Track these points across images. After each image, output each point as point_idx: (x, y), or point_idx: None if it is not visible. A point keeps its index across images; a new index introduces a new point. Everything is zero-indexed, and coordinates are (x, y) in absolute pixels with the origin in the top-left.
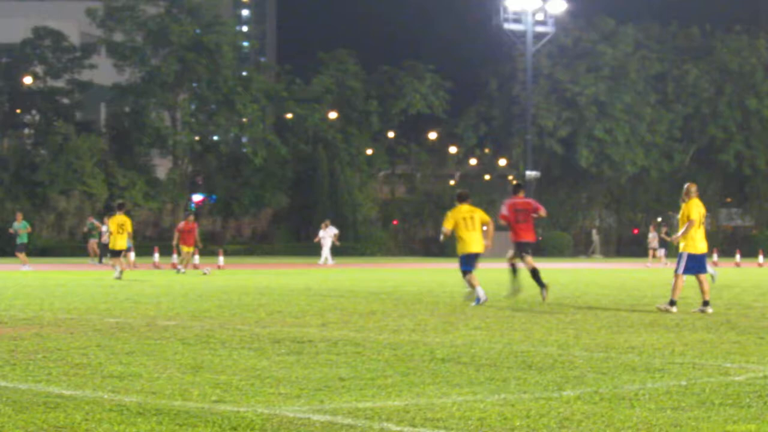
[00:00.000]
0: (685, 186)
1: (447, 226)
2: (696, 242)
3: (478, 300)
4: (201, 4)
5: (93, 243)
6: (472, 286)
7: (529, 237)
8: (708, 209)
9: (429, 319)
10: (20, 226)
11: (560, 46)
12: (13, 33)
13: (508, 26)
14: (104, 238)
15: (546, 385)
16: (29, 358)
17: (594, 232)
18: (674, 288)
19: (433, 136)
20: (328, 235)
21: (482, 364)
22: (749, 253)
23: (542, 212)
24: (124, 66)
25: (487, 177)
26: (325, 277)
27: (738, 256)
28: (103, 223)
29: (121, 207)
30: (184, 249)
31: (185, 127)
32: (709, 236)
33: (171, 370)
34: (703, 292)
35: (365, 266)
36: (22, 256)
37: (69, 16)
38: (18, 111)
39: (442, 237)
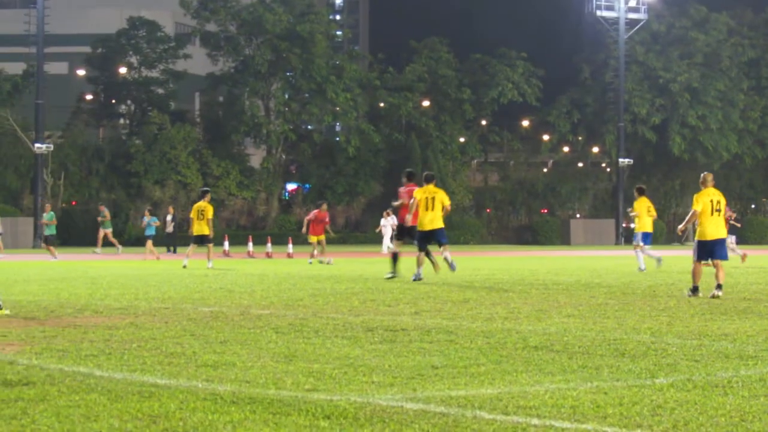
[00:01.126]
0: (702, 175)
1: (417, 197)
2: (705, 229)
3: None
4: None
5: (102, 232)
6: (419, 263)
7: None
8: None
9: (522, 307)
10: (48, 217)
11: (653, 32)
12: (108, 24)
13: (600, 13)
14: (168, 228)
15: (639, 372)
16: (124, 347)
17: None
18: (693, 274)
19: (525, 123)
20: (388, 223)
21: (575, 352)
22: None
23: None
24: (218, 56)
25: (580, 164)
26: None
27: None
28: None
29: (203, 194)
30: (313, 238)
31: (279, 116)
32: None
33: (264, 359)
34: (717, 276)
35: (458, 254)
36: (51, 248)
37: (163, 7)
38: (113, 101)
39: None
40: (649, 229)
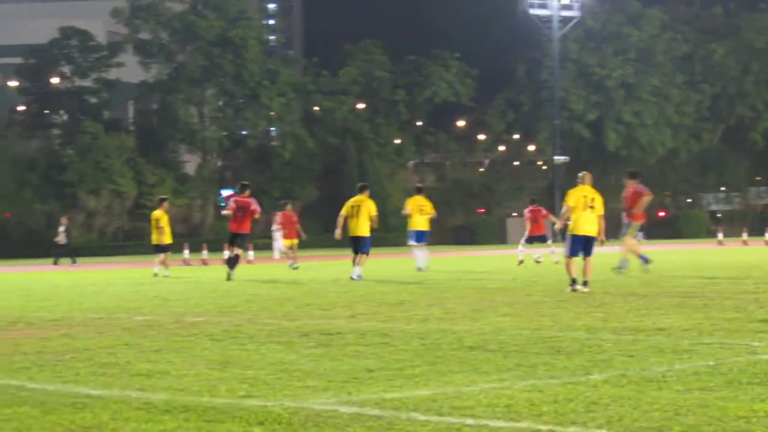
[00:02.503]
0: (581, 174)
1: (342, 211)
2: (578, 224)
3: (358, 277)
4: None
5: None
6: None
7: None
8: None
9: (457, 307)
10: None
11: (587, 30)
12: (40, 34)
13: (533, 11)
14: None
15: (574, 369)
16: (57, 359)
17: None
18: (567, 268)
19: (461, 123)
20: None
21: (510, 351)
22: None
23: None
24: (151, 63)
25: (516, 163)
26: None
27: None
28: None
29: (161, 202)
30: (287, 242)
31: (213, 122)
32: (739, 215)
33: (199, 367)
34: (584, 272)
35: (395, 256)
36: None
37: (95, 16)
38: (46, 111)
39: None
40: (423, 227)
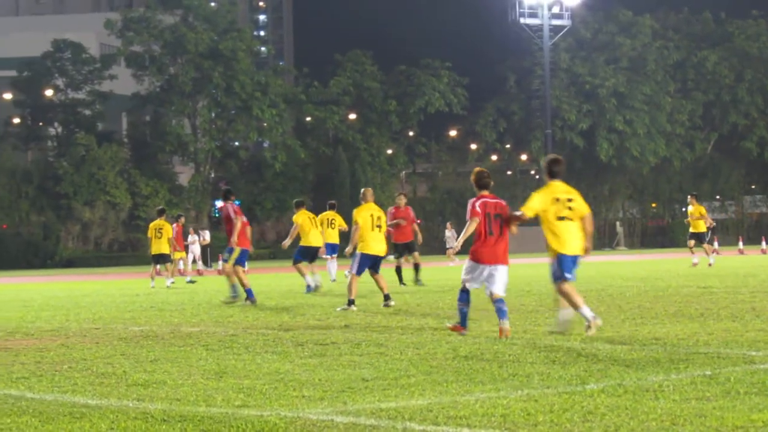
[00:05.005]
0: (362, 191)
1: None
2: (368, 243)
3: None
4: (217, 11)
5: None
6: (302, 273)
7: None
8: (732, 197)
9: (452, 317)
10: None
11: (578, 39)
12: (33, 47)
13: (524, 21)
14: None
15: (569, 379)
16: (55, 369)
17: (618, 224)
18: (350, 288)
19: (453, 133)
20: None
21: (505, 361)
22: None
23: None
24: (143, 76)
25: (508, 172)
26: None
27: (764, 243)
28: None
29: (161, 213)
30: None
31: (205, 134)
32: (734, 224)
33: (195, 377)
34: (381, 288)
35: (386, 266)
36: None
37: (88, 28)
38: (40, 124)
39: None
40: (334, 240)
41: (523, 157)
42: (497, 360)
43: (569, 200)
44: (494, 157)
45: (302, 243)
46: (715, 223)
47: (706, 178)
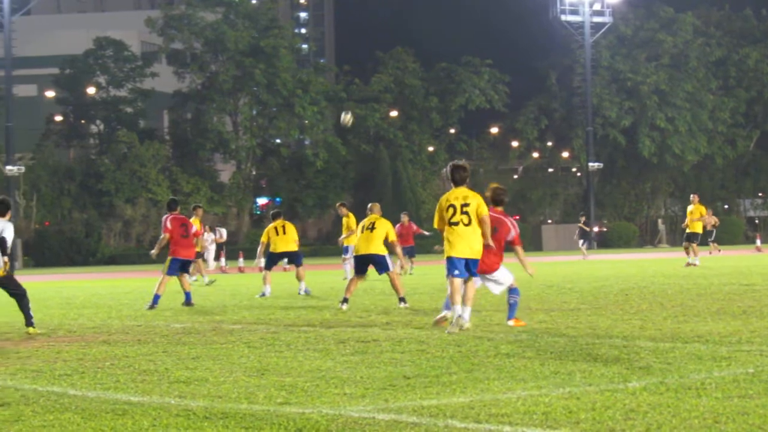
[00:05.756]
0: (369, 205)
1: (263, 239)
2: (359, 244)
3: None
4: (258, 8)
5: None
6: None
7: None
8: None
9: (493, 315)
10: None
11: (619, 35)
12: (75, 45)
13: (565, 18)
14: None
15: (611, 377)
16: (97, 366)
17: (660, 221)
18: (348, 287)
19: (494, 130)
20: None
21: (547, 358)
22: None
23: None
24: (185, 73)
25: (550, 170)
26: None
27: None
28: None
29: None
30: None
31: (246, 131)
32: None
33: (237, 374)
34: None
35: (429, 263)
36: None
37: (129, 26)
38: (82, 121)
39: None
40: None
41: (565, 154)
42: (539, 357)
43: (465, 205)
44: (535, 155)
45: (271, 249)
46: (719, 223)
47: (748, 176)
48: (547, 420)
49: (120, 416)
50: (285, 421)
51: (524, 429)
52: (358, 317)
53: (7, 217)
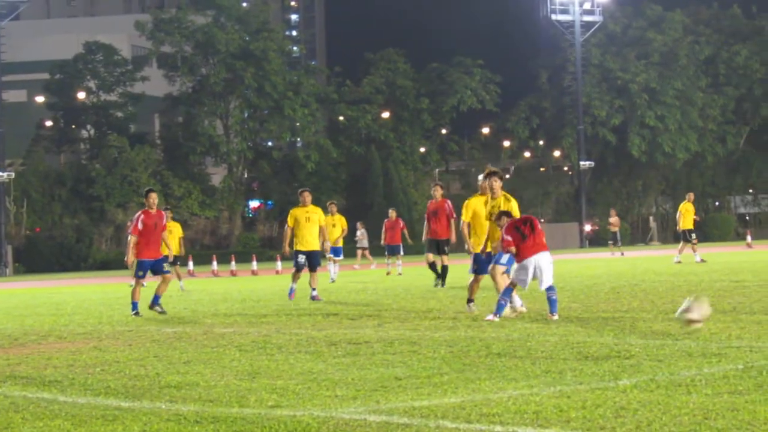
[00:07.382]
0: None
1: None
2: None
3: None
4: (248, 11)
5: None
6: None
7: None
8: (765, 191)
9: (485, 314)
10: None
11: (609, 34)
12: (64, 49)
13: (555, 17)
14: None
15: (602, 375)
16: (87, 372)
17: (651, 219)
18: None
19: (485, 130)
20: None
21: (538, 357)
22: None
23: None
24: (175, 77)
25: (541, 169)
26: (380, 277)
27: None
28: None
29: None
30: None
31: (237, 134)
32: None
33: (228, 378)
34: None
35: (420, 264)
36: None
37: (119, 30)
38: (73, 126)
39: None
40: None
41: (556, 153)
42: (530, 357)
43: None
44: (527, 154)
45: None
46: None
47: (738, 173)
48: (538, 419)
49: (110, 422)
50: (276, 424)
51: (515, 428)
52: (350, 319)
53: None
